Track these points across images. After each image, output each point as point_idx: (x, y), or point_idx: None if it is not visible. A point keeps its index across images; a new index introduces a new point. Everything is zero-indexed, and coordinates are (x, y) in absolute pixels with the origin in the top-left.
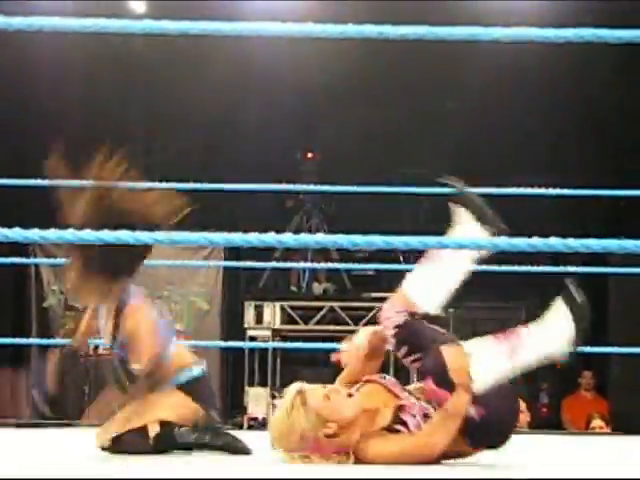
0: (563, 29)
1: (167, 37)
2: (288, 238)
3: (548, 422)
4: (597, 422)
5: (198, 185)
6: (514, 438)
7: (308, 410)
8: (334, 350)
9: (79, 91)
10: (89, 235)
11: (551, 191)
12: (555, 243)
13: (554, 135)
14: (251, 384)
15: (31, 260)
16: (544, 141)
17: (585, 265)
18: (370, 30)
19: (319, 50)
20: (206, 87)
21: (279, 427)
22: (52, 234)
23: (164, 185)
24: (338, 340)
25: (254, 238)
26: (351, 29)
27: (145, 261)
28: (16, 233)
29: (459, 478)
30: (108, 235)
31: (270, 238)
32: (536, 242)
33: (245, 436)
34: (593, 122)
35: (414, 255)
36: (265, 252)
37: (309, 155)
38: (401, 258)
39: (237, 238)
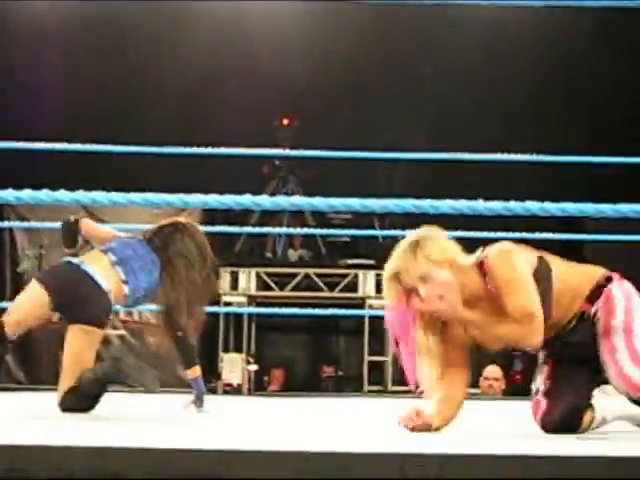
0: None
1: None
2: (264, 200)
3: (523, 389)
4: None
5: (177, 149)
6: (488, 405)
7: None
8: (309, 316)
9: (57, 58)
10: (63, 195)
11: (525, 157)
12: (532, 207)
13: (533, 103)
14: (226, 350)
15: (6, 224)
16: (523, 110)
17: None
18: None
19: (297, 16)
20: (185, 53)
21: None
22: (26, 194)
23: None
24: (313, 306)
25: (230, 199)
26: None
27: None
28: None
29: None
30: (83, 196)
31: (246, 200)
32: (513, 205)
33: (220, 402)
34: (575, 93)
35: (389, 221)
36: (240, 218)
37: (285, 121)
38: (376, 224)
39: (213, 200)
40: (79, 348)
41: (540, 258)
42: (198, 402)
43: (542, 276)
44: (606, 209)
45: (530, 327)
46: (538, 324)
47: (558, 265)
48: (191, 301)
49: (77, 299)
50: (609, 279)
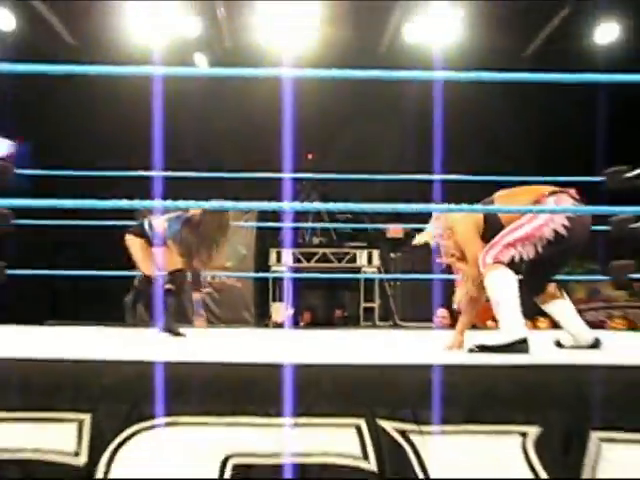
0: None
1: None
2: (296, 205)
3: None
4: (491, 323)
5: (251, 174)
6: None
7: None
8: (326, 279)
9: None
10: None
11: None
12: None
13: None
14: (274, 300)
15: None
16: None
17: None
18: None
19: (314, 88)
20: (234, 113)
21: None
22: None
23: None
24: (328, 272)
25: (276, 205)
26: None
27: None
28: None
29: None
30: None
31: (286, 205)
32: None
33: (270, 332)
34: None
35: (374, 220)
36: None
37: (309, 156)
38: (366, 220)
39: (264, 205)
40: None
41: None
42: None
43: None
44: None
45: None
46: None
47: (503, 199)
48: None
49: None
50: (552, 193)
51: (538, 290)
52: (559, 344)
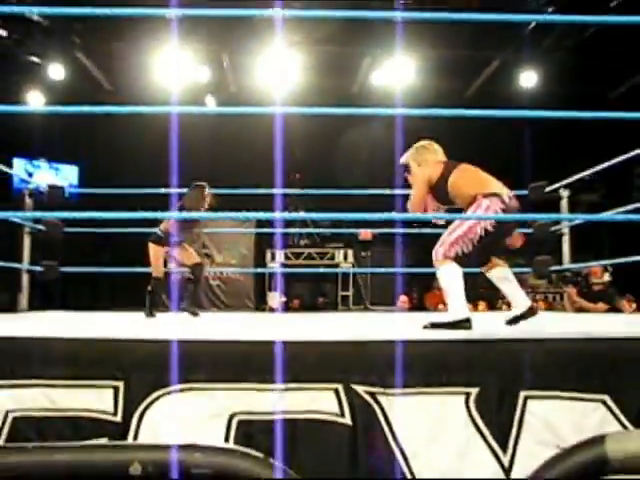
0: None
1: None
2: (288, 215)
3: (418, 307)
4: (441, 306)
5: (247, 190)
6: (403, 315)
7: None
8: (311, 273)
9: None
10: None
11: None
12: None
13: None
14: (270, 290)
15: None
16: None
17: None
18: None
19: (301, 122)
20: (238, 143)
21: None
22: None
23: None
24: (312, 267)
25: (269, 215)
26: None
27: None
28: None
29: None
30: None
31: (279, 215)
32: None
33: (268, 315)
34: None
35: (351, 226)
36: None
37: (297, 176)
38: (345, 226)
39: (261, 215)
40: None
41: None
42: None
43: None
44: None
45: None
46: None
47: (459, 174)
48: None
49: None
50: (489, 195)
51: (480, 264)
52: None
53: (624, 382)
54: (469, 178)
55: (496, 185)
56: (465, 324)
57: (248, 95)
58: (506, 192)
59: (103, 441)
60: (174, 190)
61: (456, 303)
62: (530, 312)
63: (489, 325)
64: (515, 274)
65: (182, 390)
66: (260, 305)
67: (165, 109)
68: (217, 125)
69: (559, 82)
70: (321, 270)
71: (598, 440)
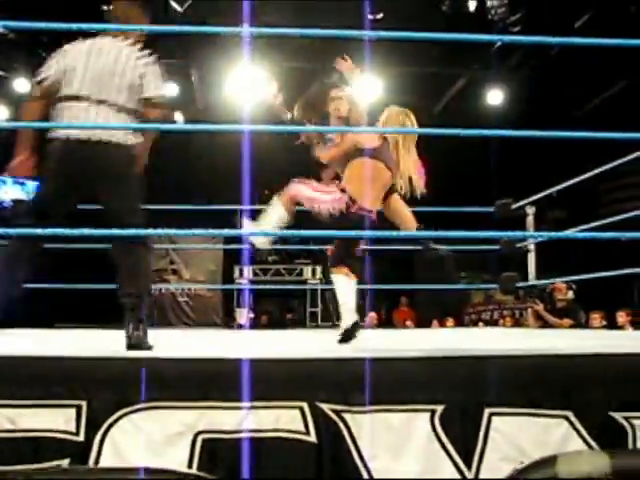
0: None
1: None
2: (256, 232)
3: (386, 323)
4: (409, 323)
5: (219, 207)
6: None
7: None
8: (279, 289)
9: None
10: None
11: None
12: None
13: None
14: (238, 307)
15: None
16: None
17: None
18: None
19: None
20: (206, 158)
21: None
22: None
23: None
24: (281, 283)
25: (238, 232)
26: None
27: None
28: None
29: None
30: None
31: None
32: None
33: (235, 332)
34: None
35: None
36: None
37: (266, 192)
38: (311, 243)
39: (227, 232)
40: None
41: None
42: None
43: None
44: None
45: None
46: None
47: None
48: None
49: None
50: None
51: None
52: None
53: (587, 398)
54: (358, 174)
55: (367, 198)
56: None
57: (216, 111)
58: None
59: (65, 462)
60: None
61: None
62: (354, 328)
63: (455, 342)
64: (482, 290)
65: (146, 409)
66: (228, 321)
67: (130, 126)
68: (184, 141)
69: (525, 100)
70: (289, 287)
71: (550, 460)
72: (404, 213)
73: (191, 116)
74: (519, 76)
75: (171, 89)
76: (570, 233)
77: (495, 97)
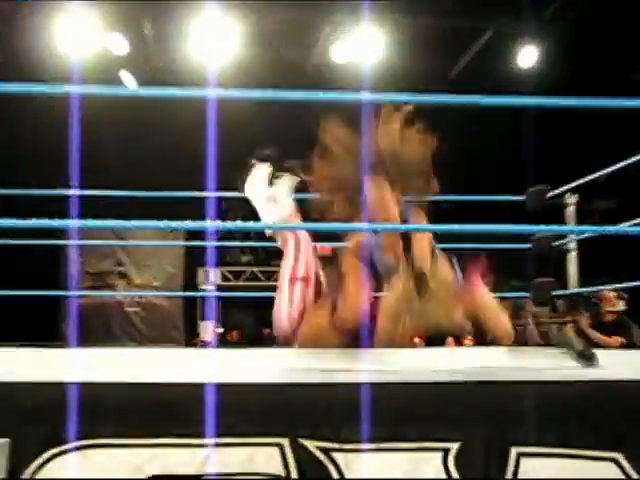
0: None
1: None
2: (225, 225)
3: None
4: (417, 340)
5: (175, 194)
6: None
7: None
8: (255, 298)
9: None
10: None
11: None
12: None
13: None
14: (202, 319)
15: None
16: None
17: None
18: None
19: (244, 107)
20: (161, 132)
21: None
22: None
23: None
24: (257, 290)
25: (201, 224)
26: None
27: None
28: None
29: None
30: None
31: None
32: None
33: (197, 352)
34: None
35: None
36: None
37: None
38: None
39: (191, 224)
40: None
41: None
42: None
43: None
44: None
45: None
46: None
47: None
48: None
49: None
50: None
51: None
52: None
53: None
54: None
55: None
56: None
57: (175, 72)
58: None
59: None
60: (75, 192)
61: None
62: None
63: (475, 363)
64: (509, 299)
65: (82, 447)
66: (190, 338)
67: (66, 89)
68: (135, 109)
69: (564, 60)
70: (266, 294)
71: None
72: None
73: (145, 79)
74: (557, 30)
75: (119, 44)
76: (621, 228)
77: (527, 57)
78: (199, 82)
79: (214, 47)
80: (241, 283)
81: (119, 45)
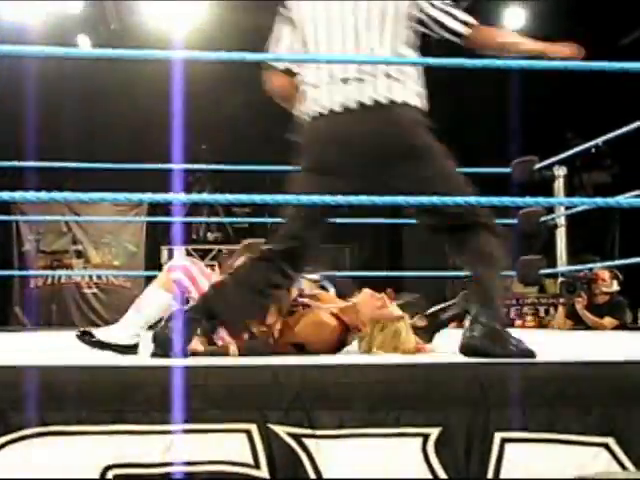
0: None
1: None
2: (192, 197)
3: None
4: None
5: (136, 166)
6: None
7: None
8: None
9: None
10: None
11: None
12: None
13: None
14: None
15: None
16: None
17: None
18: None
19: (209, 73)
20: (121, 99)
21: None
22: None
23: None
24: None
25: (169, 197)
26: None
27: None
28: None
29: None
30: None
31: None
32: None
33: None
34: None
35: (276, 212)
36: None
37: (203, 147)
38: (266, 214)
39: (155, 197)
40: None
41: None
42: None
43: None
44: None
45: None
46: None
47: None
48: None
49: None
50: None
51: None
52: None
53: (635, 421)
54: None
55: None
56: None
57: (135, 34)
58: None
59: None
60: (28, 164)
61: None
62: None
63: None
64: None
65: (37, 435)
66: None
67: (18, 50)
68: (92, 74)
69: (554, 23)
70: None
71: None
72: None
73: (102, 40)
74: None
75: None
76: (615, 199)
77: (514, 17)
78: (159, 46)
79: (177, 11)
80: (207, 262)
81: (74, 6)
